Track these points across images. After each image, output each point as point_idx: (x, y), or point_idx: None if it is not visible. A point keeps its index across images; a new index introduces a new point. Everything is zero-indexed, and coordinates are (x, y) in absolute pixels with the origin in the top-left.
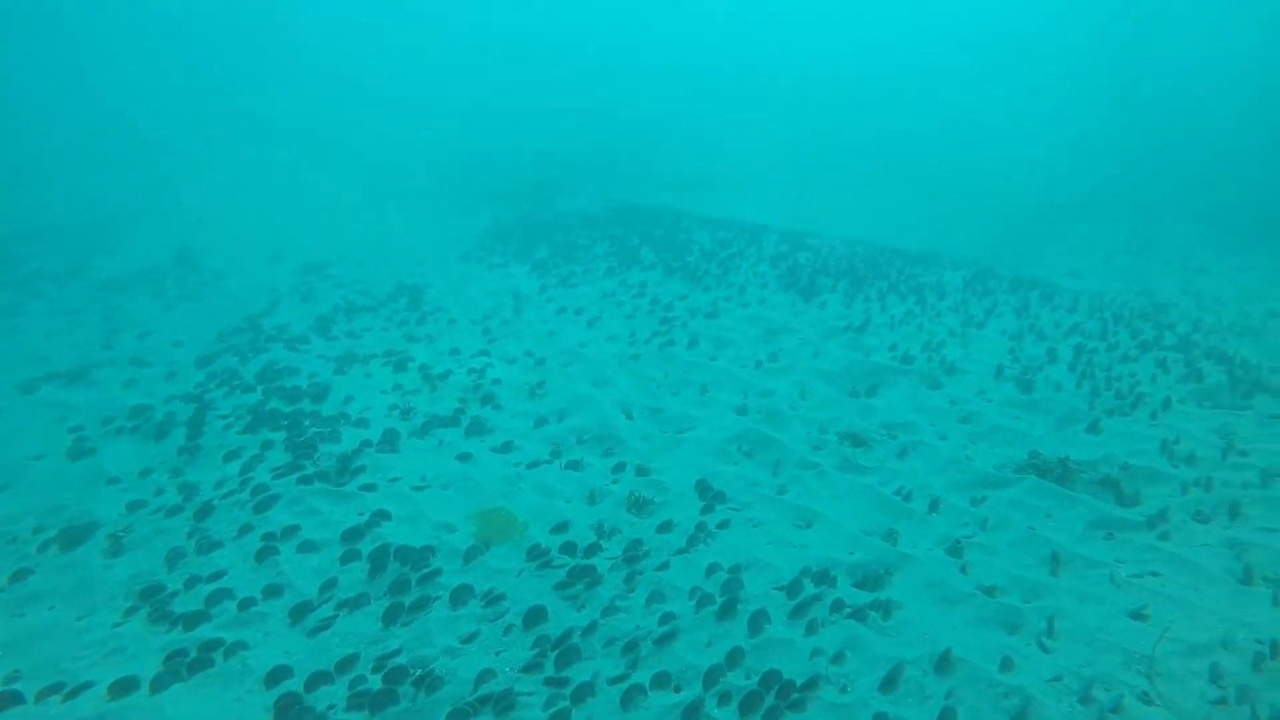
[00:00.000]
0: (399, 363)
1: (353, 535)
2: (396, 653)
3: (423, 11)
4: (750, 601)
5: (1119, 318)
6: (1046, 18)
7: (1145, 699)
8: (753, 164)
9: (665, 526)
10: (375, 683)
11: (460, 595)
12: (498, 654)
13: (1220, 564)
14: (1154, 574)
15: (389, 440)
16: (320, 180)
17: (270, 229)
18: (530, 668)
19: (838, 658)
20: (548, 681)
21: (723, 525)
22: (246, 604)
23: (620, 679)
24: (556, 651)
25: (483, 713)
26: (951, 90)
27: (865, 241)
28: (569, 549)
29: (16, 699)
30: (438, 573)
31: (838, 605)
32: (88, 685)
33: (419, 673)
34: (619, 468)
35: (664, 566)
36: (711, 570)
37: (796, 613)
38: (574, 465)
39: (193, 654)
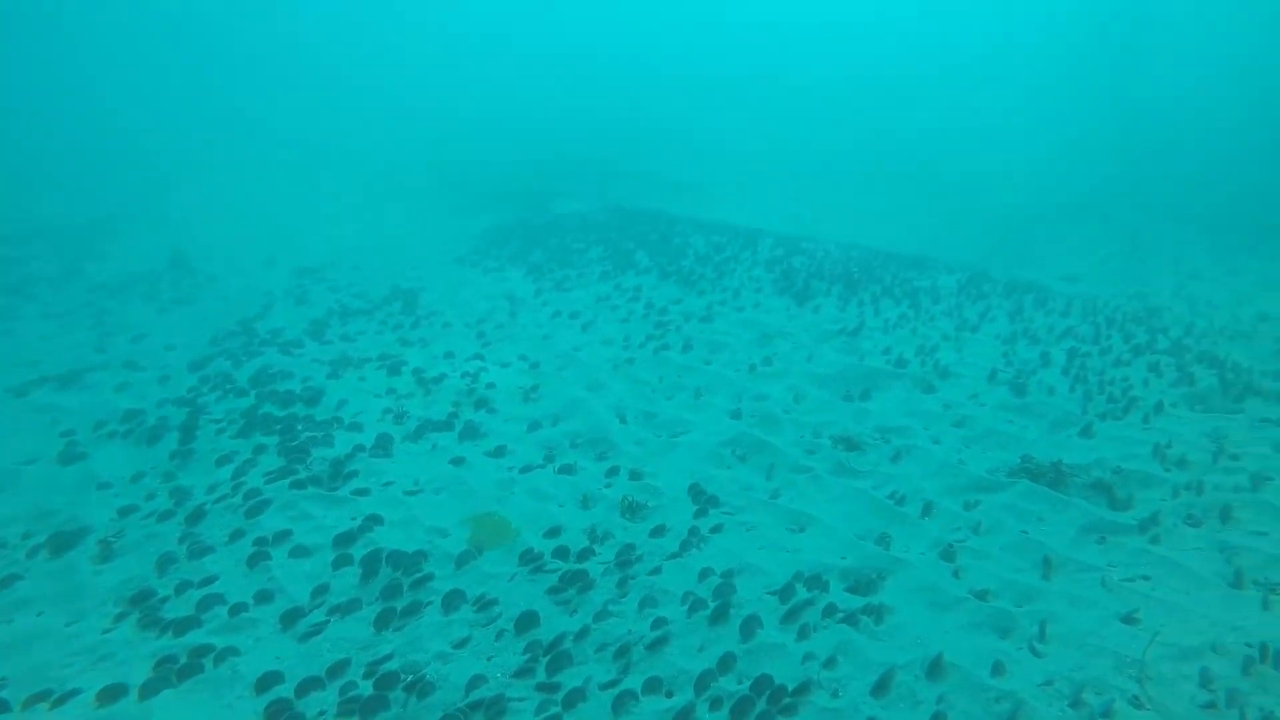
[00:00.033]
0: (393, 366)
1: (345, 540)
2: (388, 658)
3: (420, 16)
4: (743, 606)
5: (1112, 321)
6: (1044, 22)
7: (1136, 703)
8: (750, 168)
9: (658, 531)
10: (366, 688)
11: (452, 600)
12: (489, 659)
13: (1211, 567)
14: (1145, 578)
15: (382, 444)
16: (317, 183)
17: (266, 232)
18: (522, 673)
19: (830, 663)
20: (539, 687)
21: (716, 530)
22: (238, 609)
23: (612, 684)
24: (548, 657)
25: (474, 719)
26: (949, 93)
27: (860, 245)
28: (562, 553)
29: (3, 707)
30: (430, 577)
31: (830, 610)
32: (75, 692)
33: (410, 678)
34: (612, 472)
35: (656, 571)
36: (704, 575)
37: (789, 617)
38: (567, 469)
39: (183, 660)
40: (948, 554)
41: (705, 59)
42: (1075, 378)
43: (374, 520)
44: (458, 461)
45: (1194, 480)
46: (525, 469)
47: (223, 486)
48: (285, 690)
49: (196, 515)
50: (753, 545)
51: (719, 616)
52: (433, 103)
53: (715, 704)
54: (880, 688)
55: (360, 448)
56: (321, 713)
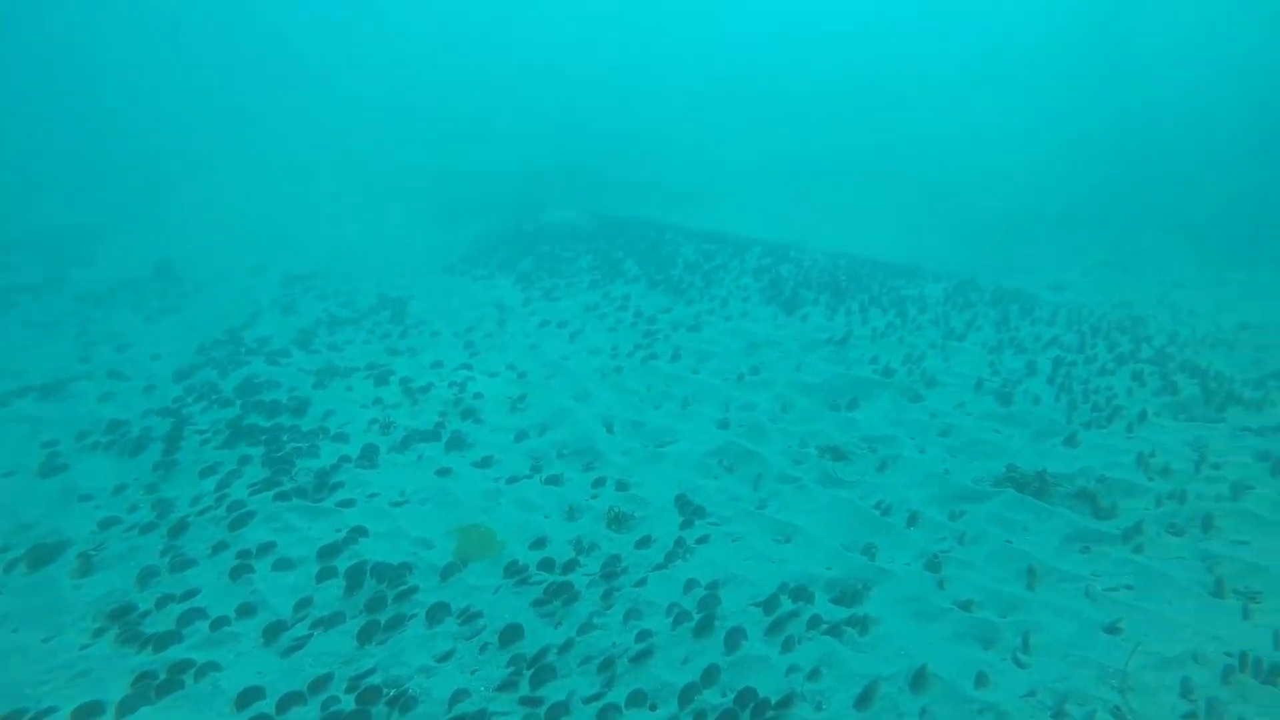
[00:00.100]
0: (380, 376)
1: (329, 552)
2: (371, 672)
3: (411, 24)
4: (727, 618)
5: (1097, 330)
6: (1030, 33)
7: (1117, 714)
8: (741, 175)
9: (644, 542)
10: (349, 703)
11: (436, 613)
12: (473, 673)
13: (1193, 576)
14: (1128, 587)
15: (368, 455)
16: (308, 188)
17: (255, 237)
18: (505, 686)
19: (813, 674)
20: (522, 701)
21: (702, 540)
22: (219, 623)
23: (595, 698)
24: (532, 670)
25: None
26: (941, 99)
27: (847, 254)
28: (547, 565)
29: None
30: (414, 590)
31: (815, 621)
32: (50, 711)
33: (393, 692)
34: (599, 482)
35: (642, 583)
36: (689, 586)
37: (773, 629)
38: (554, 480)
39: (162, 676)
40: (933, 564)
41: (698, 66)
42: (1060, 387)
43: (359, 532)
44: (444, 472)
45: (1177, 489)
46: (512, 479)
47: (206, 498)
48: (266, 706)
49: (179, 527)
50: (738, 556)
51: (703, 628)
52: (424, 110)
53: (699, 717)
54: (864, 700)
55: (346, 458)
56: None
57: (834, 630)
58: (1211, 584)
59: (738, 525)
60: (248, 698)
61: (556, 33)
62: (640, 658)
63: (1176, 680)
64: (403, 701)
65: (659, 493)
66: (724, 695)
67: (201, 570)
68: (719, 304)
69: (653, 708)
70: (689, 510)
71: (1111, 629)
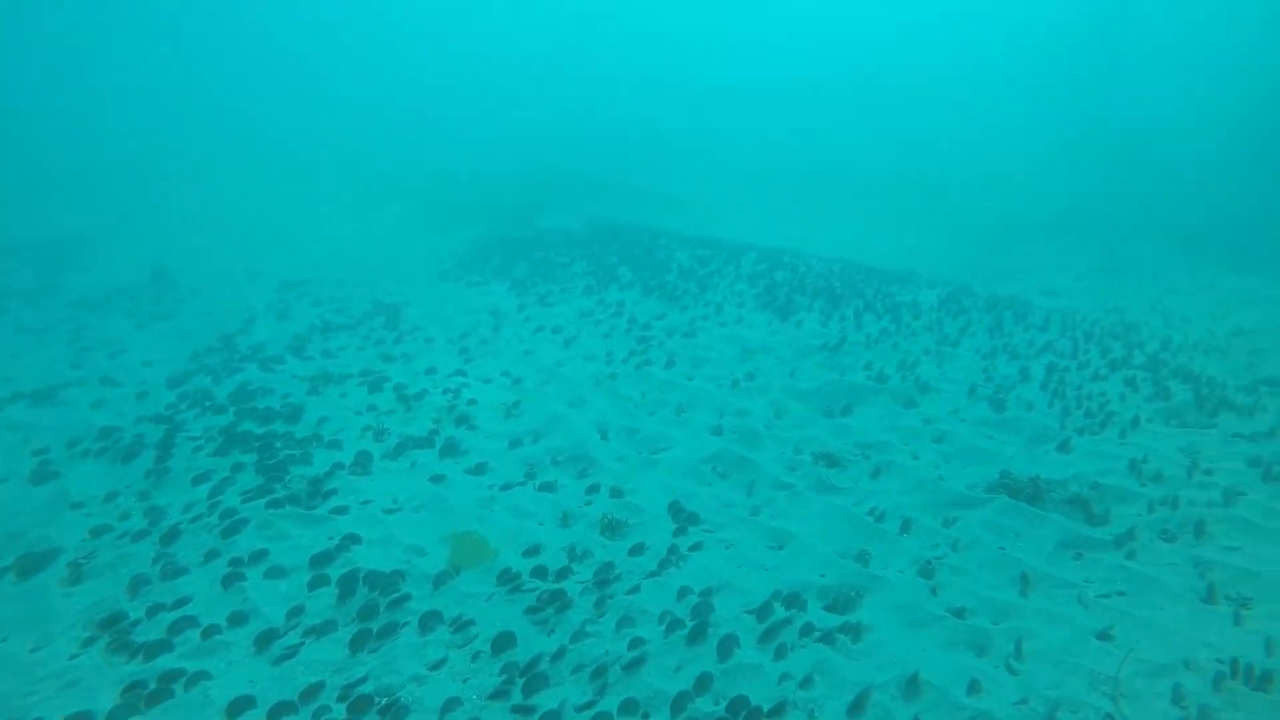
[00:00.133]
0: (374, 383)
1: (322, 560)
2: (363, 681)
3: (407, 30)
4: (720, 625)
5: (1090, 336)
6: (1028, 39)
7: None
8: (739, 180)
9: (637, 549)
10: (340, 712)
11: (429, 621)
12: (465, 681)
13: (1185, 583)
14: (1121, 594)
15: (361, 462)
16: (302, 194)
17: (249, 246)
18: (497, 695)
19: (806, 682)
20: (515, 709)
21: (695, 548)
22: (210, 632)
23: (588, 706)
24: (524, 678)
25: None
26: (938, 105)
27: (842, 260)
28: (540, 573)
29: None
30: (407, 598)
31: (807, 629)
32: None
33: (385, 701)
34: (593, 489)
35: (635, 590)
36: (682, 593)
37: (766, 636)
38: (548, 487)
39: (152, 685)
40: (926, 571)
41: (697, 70)
42: (1054, 393)
43: (352, 539)
44: (437, 479)
45: (1169, 495)
46: (505, 486)
47: (199, 506)
48: (257, 715)
49: (171, 535)
50: (732, 563)
51: (696, 636)
52: (421, 113)
53: None
54: (856, 708)
55: (339, 465)
56: None
57: (827, 638)
58: (1203, 590)
59: (731, 532)
60: (238, 707)
61: (555, 37)
62: (633, 665)
63: (1168, 687)
64: (395, 710)
65: (653, 499)
66: (716, 703)
67: (193, 578)
68: (714, 310)
69: (645, 716)
70: (683, 517)
71: (1104, 636)
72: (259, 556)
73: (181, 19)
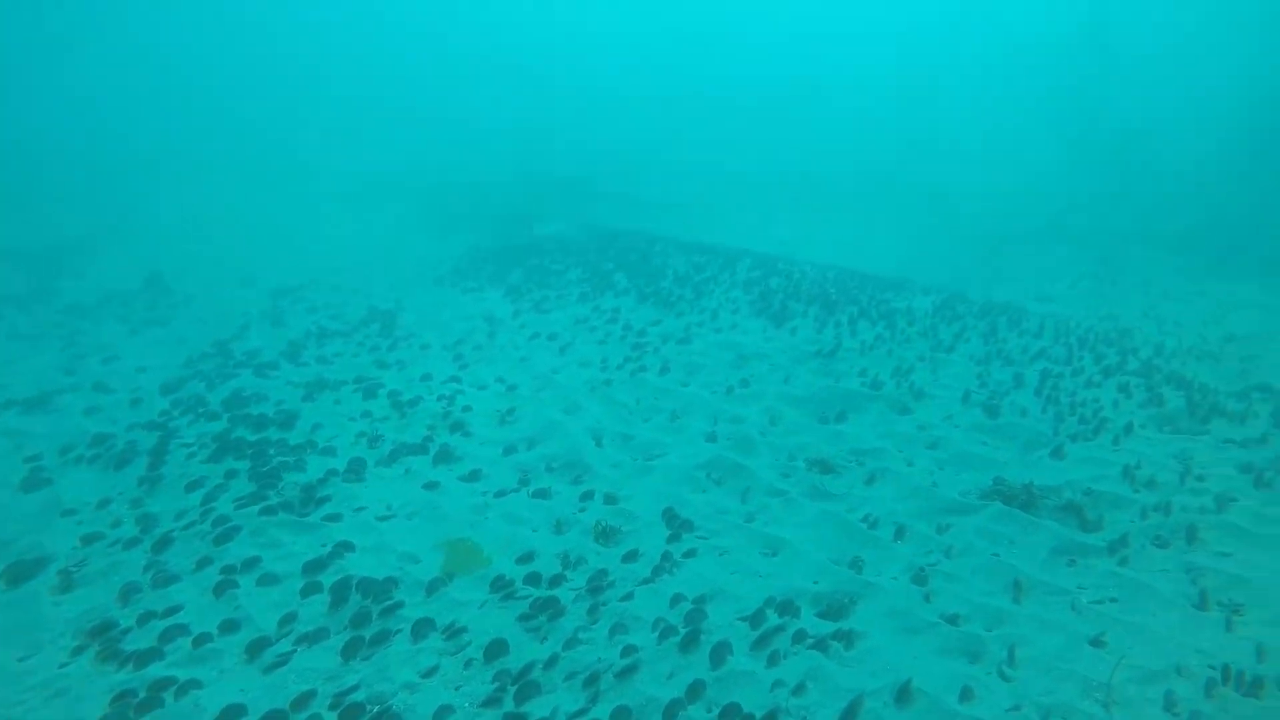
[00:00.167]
0: (369, 389)
1: (315, 567)
2: (354, 689)
3: (402, 35)
4: (713, 632)
5: (1084, 342)
6: (1016, 47)
7: None
8: (736, 187)
9: (631, 556)
10: None
11: (421, 628)
12: (457, 689)
13: (1177, 589)
14: (1113, 600)
15: (355, 469)
16: (297, 201)
17: (245, 251)
18: (490, 702)
19: (799, 689)
20: (506, 717)
21: (689, 554)
22: (201, 640)
23: (580, 713)
24: (516, 686)
25: None
26: (927, 117)
27: (837, 266)
28: (533, 580)
29: None
30: (400, 605)
31: (800, 636)
32: None
33: (376, 709)
34: (587, 496)
35: (628, 597)
36: (676, 600)
37: (759, 643)
38: (542, 493)
39: (142, 694)
40: (919, 578)
41: (695, 77)
42: (1047, 399)
43: (345, 547)
44: (431, 486)
45: (1162, 501)
46: (500, 493)
47: (191, 513)
48: None
49: (163, 543)
50: (725, 570)
51: (689, 643)
52: (415, 123)
53: None
54: (848, 715)
55: (333, 472)
56: None
57: (820, 644)
58: (1195, 596)
59: (725, 539)
60: (229, 715)
61: (552, 42)
62: (625, 673)
63: (1160, 693)
64: (386, 718)
65: (647, 506)
66: (709, 711)
67: (185, 586)
68: (709, 316)
69: None
70: (676, 524)
71: (1096, 642)
72: (251, 564)
73: (179, 20)
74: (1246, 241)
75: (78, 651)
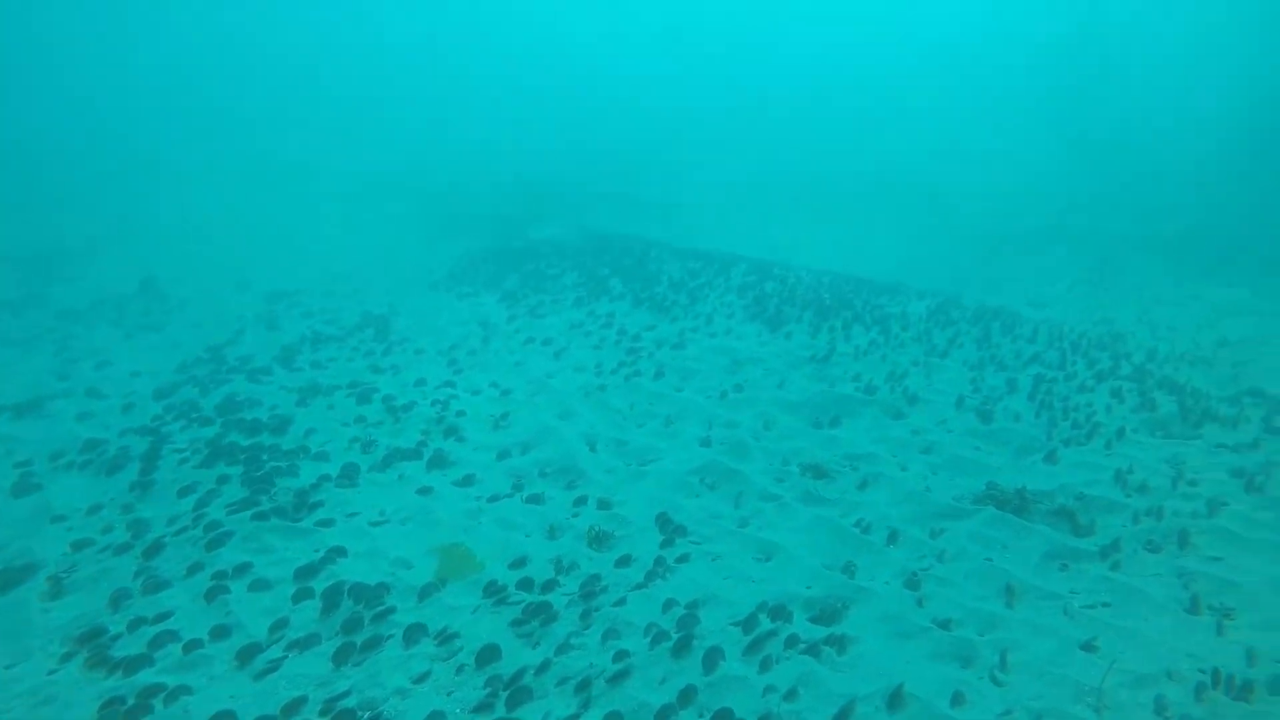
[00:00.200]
0: (363, 394)
1: (307, 573)
2: (346, 694)
3: (399, 38)
4: (706, 637)
5: (1077, 347)
6: (1010, 53)
7: None
8: (734, 190)
9: (624, 561)
10: None
11: (413, 634)
12: (449, 694)
13: (1169, 593)
14: (1105, 604)
15: (348, 474)
16: (294, 204)
17: (240, 256)
18: (481, 708)
19: (790, 695)
20: None
21: (682, 559)
22: (192, 646)
23: (572, 719)
24: (508, 691)
25: None
26: (922, 121)
27: (831, 271)
28: (526, 585)
29: None
30: (392, 610)
31: (793, 640)
32: None
33: (368, 715)
34: (580, 501)
35: (621, 602)
36: (668, 606)
37: (751, 649)
38: (535, 499)
39: (131, 701)
40: (912, 582)
41: (689, 79)
42: (1041, 404)
43: (337, 552)
44: (425, 491)
45: (1154, 506)
46: (493, 498)
47: (183, 518)
48: None
49: (155, 548)
50: (718, 575)
51: (681, 648)
52: (411, 128)
53: None
54: None
55: (326, 477)
56: None
57: (812, 649)
58: (1187, 600)
59: (718, 544)
60: None
61: (550, 44)
62: (618, 678)
63: (1150, 698)
64: None
65: (640, 511)
66: (701, 716)
67: (176, 592)
68: (703, 321)
69: None
70: (670, 529)
71: (1088, 647)
72: (243, 569)
73: (175, 28)
74: (1241, 246)
75: (66, 658)
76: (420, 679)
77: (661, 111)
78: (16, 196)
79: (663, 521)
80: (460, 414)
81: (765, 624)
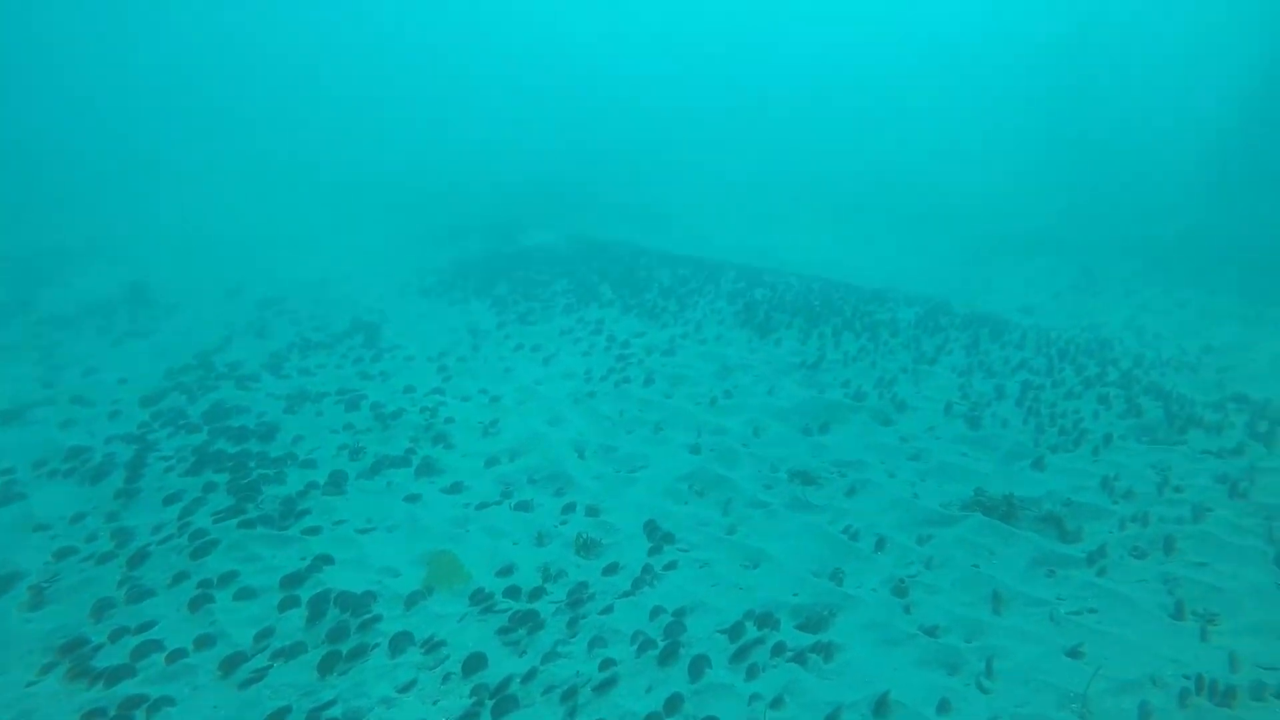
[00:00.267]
0: (351, 401)
1: (293, 581)
2: (331, 704)
3: (390, 45)
4: (692, 645)
5: (1065, 354)
6: (1009, 53)
7: None
8: (726, 195)
9: (612, 569)
10: None
11: (399, 642)
12: (435, 703)
13: (1154, 599)
14: (1091, 611)
15: (336, 482)
16: (284, 210)
17: (230, 262)
18: (467, 717)
19: (776, 703)
20: None
21: (669, 567)
22: (175, 656)
23: None
24: (494, 700)
25: None
26: (922, 122)
27: (821, 278)
28: (513, 593)
29: None
30: (378, 619)
31: (779, 648)
32: None
33: None
34: (569, 508)
35: (608, 610)
36: (655, 613)
37: (738, 656)
38: (524, 506)
39: (112, 713)
40: (899, 589)
41: (688, 79)
42: (1028, 410)
43: (324, 560)
44: (413, 499)
45: (1140, 512)
46: (481, 506)
47: (169, 527)
48: None
49: (139, 557)
50: (706, 582)
51: (668, 656)
52: (403, 133)
53: None
54: None
55: (313, 485)
56: None
57: (799, 657)
58: (1171, 606)
59: (706, 551)
60: None
61: (550, 47)
62: (604, 687)
63: (1135, 704)
64: None
65: (628, 518)
66: None
67: (160, 601)
68: (693, 328)
69: None
70: (658, 536)
71: (1073, 653)
72: (229, 578)
73: (167, 31)
74: (1228, 253)
75: (46, 669)
76: (406, 688)
77: (661, 111)
78: (15, 197)
79: (651, 529)
80: (449, 421)
81: (752, 631)
